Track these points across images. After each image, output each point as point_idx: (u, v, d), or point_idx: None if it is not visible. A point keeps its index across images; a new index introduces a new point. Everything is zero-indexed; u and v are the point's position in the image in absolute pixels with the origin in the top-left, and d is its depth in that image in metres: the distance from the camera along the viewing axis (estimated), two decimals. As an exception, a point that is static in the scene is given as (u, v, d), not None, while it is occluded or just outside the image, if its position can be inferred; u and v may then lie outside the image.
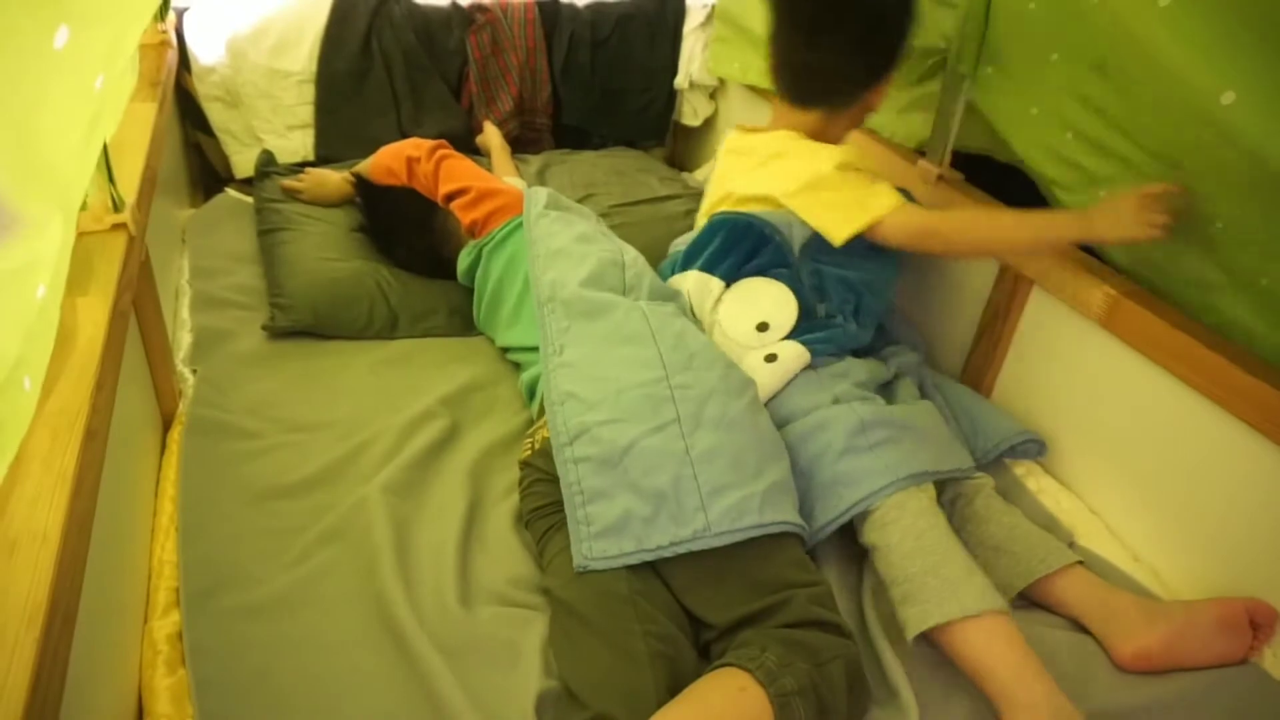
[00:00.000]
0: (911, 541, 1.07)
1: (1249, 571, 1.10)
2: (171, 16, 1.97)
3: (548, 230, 1.45)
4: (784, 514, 1.07)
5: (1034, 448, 1.36)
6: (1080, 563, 1.14)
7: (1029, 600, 1.15)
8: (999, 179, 1.46)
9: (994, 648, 0.98)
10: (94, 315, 0.97)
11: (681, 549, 1.03)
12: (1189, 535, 1.17)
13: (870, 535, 1.12)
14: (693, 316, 1.40)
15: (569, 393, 1.18)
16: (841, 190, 1.33)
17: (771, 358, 1.28)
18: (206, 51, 1.99)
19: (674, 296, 1.40)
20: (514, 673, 0.98)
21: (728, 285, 1.38)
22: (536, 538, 1.14)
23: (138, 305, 1.22)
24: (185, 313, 1.57)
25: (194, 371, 1.43)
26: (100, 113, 0.70)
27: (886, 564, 1.09)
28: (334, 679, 0.97)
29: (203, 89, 2.02)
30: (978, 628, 0.99)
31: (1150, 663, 1.03)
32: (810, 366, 1.29)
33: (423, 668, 0.96)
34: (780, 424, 1.23)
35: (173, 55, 1.89)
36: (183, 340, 1.50)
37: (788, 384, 1.28)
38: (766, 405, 1.25)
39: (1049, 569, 1.12)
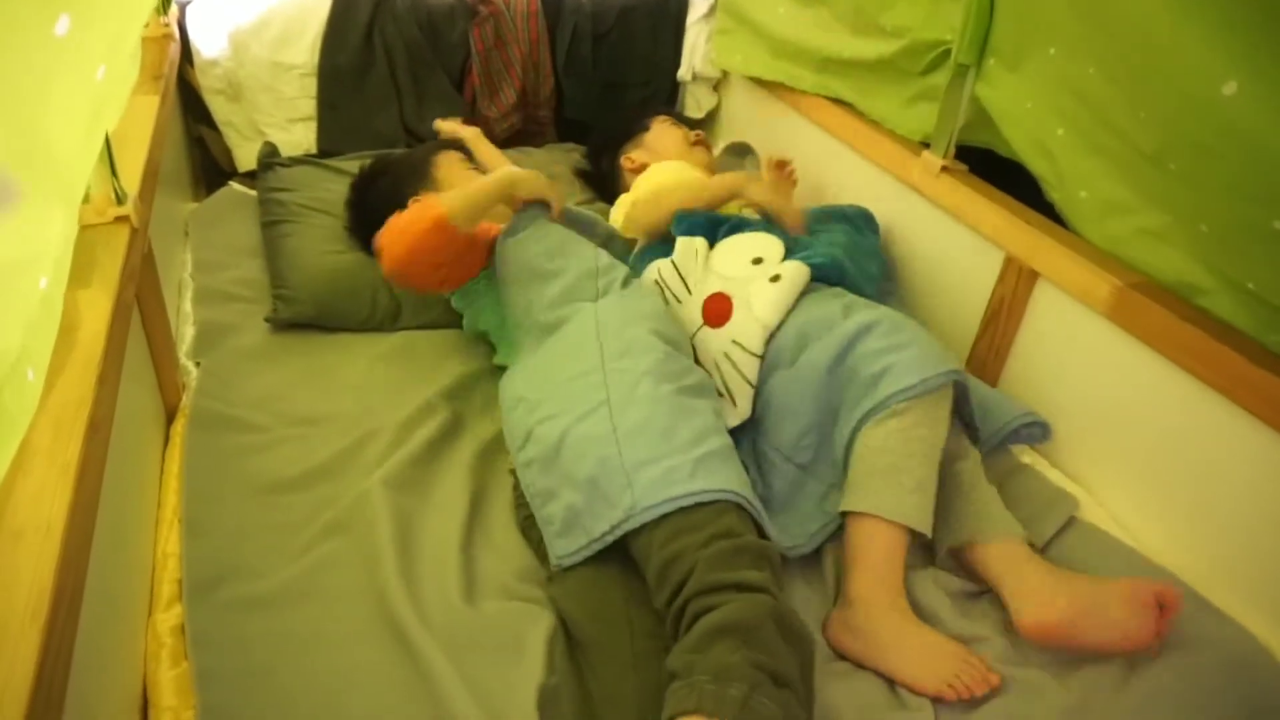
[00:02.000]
0: (895, 440, 1.13)
1: (1257, 564, 1.09)
2: (174, 9, 1.96)
3: (517, 250, 1.44)
4: (722, 482, 1.01)
5: (1039, 431, 1.36)
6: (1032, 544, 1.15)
7: (957, 562, 1.18)
8: (1005, 172, 1.46)
9: (873, 546, 1.09)
10: (97, 308, 0.97)
11: (620, 531, 1.01)
12: (1196, 528, 1.17)
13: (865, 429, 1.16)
14: (678, 285, 1.42)
15: (519, 397, 1.22)
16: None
17: (776, 278, 1.35)
18: (209, 44, 1.99)
19: (648, 293, 1.39)
20: (517, 667, 0.98)
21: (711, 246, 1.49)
22: (535, 544, 1.15)
23: (140, 298, 1.22)
24: (188, 306, 1.57)
25: (197, 364, 1.43)
26: (102, 104, 0.70)
27: (865, 447, 1.15)
28: (336, 673, 0.97)
29: (205, 82, 2.02)
30: (874, 526, 1.09)
31: (1047, 636, 1.03)
32: (812, 290, 1.37)
33: (424, 662, 0.96)
34: (801, 338, 1.27)
35: (175, 48, 1.88)
36: (186, 333, 1.50)
37: (798, 301, 1.35)
38: (783, 323, 1.30)
39: (984, 539, 1.13)
